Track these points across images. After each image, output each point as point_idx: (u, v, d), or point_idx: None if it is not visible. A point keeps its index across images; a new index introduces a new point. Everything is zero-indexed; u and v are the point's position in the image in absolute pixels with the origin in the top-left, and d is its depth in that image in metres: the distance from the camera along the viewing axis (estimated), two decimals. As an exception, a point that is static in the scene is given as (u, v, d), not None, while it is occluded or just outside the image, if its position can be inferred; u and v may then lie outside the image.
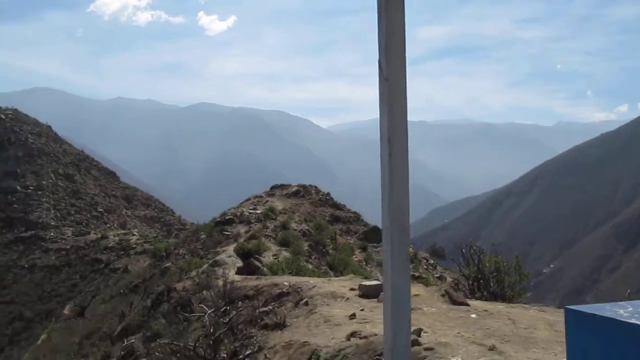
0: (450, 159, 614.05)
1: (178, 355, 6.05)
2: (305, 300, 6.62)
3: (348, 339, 4.69)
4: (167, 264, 21.51)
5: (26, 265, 39.77)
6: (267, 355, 4.49)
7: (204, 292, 9.41)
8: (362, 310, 5.90)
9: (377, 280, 8.47)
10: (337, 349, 4.43)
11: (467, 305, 6.28)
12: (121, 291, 24.46)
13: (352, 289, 7.09)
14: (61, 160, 64.25)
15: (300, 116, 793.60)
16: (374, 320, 5.39)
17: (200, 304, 8.99)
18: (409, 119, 2.07)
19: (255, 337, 5.62)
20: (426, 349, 4.02)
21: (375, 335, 4.67)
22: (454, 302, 6.53)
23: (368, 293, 6.75)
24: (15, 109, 78.62)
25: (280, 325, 5.82)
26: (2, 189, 52.98)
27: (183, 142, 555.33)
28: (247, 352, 5.31)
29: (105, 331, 15.08)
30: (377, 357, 4.17)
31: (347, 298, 6.58)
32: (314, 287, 7.36)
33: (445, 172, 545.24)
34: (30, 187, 53.78)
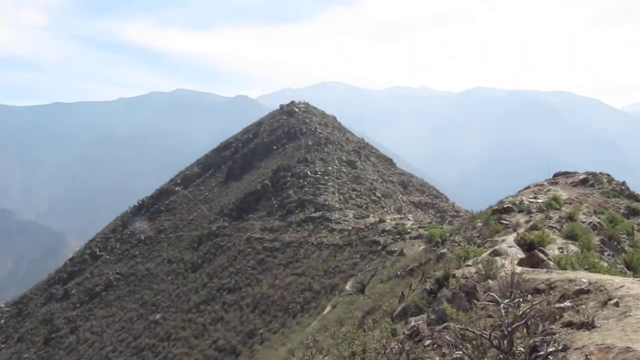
0: None
1: (469, 341, 5.84)
2: (614, 300, 5.79)
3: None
4: (443, 250, 21.49)
5: (315, 243, 44.14)
6: (588, 357, 3.96)
7: (489, 281, 9.01)
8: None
9: None
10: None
11: None
12: (398, 273, 25.31)
13: (674, 293, 5.99)
14: (344, 148, 69.68)
15: (588, 96, 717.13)
16: None
17: (485, 292, 8.63)
18: None
19: (557, 334, 5.08)
20: None
21: None
22: None
23: (699, 299, 5.62)
24: (307, 103, 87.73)
25: (588, 325, 5.16)
26: (296, 174, 59.72)
27: (458, 128, 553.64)
28: (550, 350, 4.81)
29: (386, 309, 15.55)
30: None
31: (670, 303, 5.56)
32: (621, 286, 6.41)
33: None
34: (319, 173, 59.57)
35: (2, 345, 62.97)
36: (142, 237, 68.53)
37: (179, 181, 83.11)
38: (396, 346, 7.43)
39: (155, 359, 40.23)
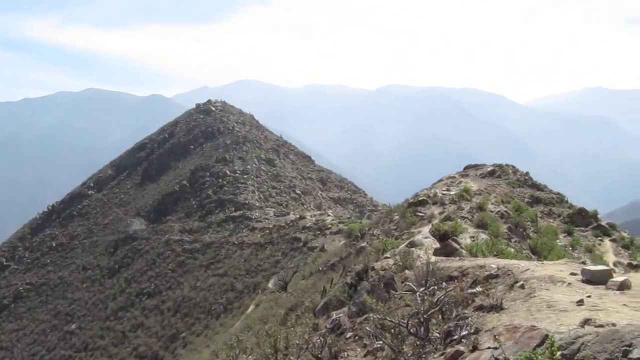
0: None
1: (388, 331, 6.03)
2: (520, 283, 6.16)
3: (582, 326, 4.20)
4: (363, 244, 21.99)
5: (236, 242, 43.83)
6: (497, 337, 4.20)
7: (406, 272, 9.32)
8: (589, 297, 5.30)
9: (603, 265, 7.60)
10: (574, 336, 3.98)
11: None
12: (320, 268, 25.62)
13: (572, 274, 6.44)
14: (263, 146, 69.50)
15: (495, 93, 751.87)
16: (606, 308, 4.79)
17: (403, 282, 8.92)
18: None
19: (470, 318, 5.35)
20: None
21: (614, 324, 4.12)
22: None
23: (593, 279, 6.07)
24: (223, 101, 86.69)
25: (497, 308, 5.47)
26: (214, 174, 58.97)
27: (373, 124, 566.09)
28: (463, 333, 5.06)
29: (308, 305, 15.73)
30: (625, 347, 3.64)
31: (569, 283, 5.97)
32: (527, 270, 6.83)
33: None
34: (238, 172, 59.09)
35: None
36: (54, 244, 65.23)
37: (92, 184, 79.65)
38: (318, 340, 7.54)
39: (72, 371, 38.55)
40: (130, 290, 45.45)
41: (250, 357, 13.14)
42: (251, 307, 30.59)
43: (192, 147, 71.67)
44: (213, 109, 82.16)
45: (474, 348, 4.88)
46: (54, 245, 64.98)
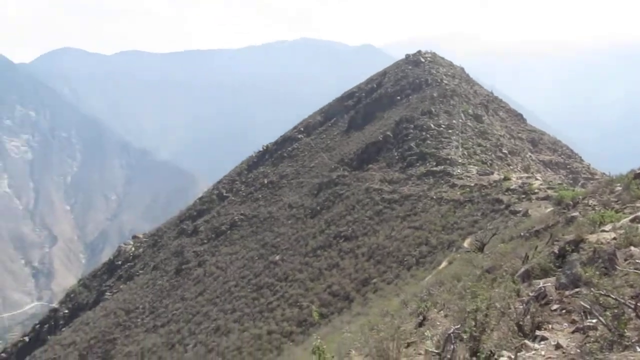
0: None
1: (608, 309, 5.28)
2: None
3: None
4: (574, 214, 20.02)
5: (434, 197, 43.30)
6: None
7: (632, 248, 8.15)
8: None
9: None
10: None
11: None
12: (522, 234, 24.09)
13: None
14: (471, 101, 66.86)
15: None
16: None
17: (626, 260, 7.82)
18: None
19: None
20: None
21: None
22: None
23: None
24: (434, 53, 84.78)
25: None
26: (418, 126, 58.47)
27: (597, 86, 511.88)
28: None
29: (507, 270, 14.87)
30: None
31: None
32: None
33: None
34: (442, 126, 57.83)
35: (140, 271, 69.42)
36: (265, 182, 71.25)
37: (302, 129, 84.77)
38: (520, 307, 6.97)
39: (273, 297, 42.23)
40: (329, 231, 47.85)
41: (441, 312, 12.87)
42: (444, 264, 30.16)
43: (398, 98, 71.76)
44: (422, 60, 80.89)
45: None
46: (266, 182, 70.95)
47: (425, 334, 8.76)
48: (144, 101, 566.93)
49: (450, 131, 56.79)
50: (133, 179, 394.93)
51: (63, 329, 69.10)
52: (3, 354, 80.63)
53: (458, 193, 42.63)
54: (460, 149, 53.23)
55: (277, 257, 48.68)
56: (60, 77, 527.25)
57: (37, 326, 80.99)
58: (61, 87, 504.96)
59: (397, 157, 55.35)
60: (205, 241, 64.41)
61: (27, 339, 78.57)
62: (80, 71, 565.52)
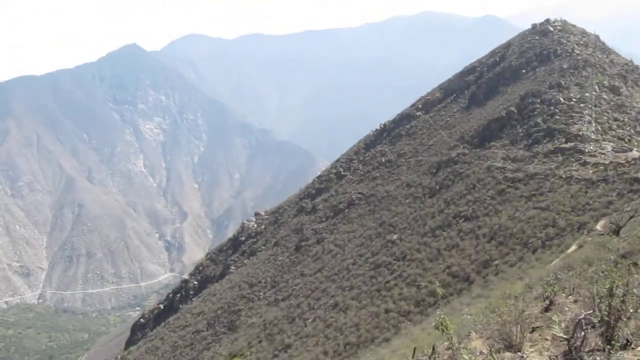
0: None
1: None
2: None
3: None
4: None
5: (563, 176, 40.57)
6: None
7: None
8: None
9: None
10: None
11: None
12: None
13: None
14: (607, 72, 61.58)
15: None
16: None
17: None
18: None
19: None
20: None
21: None
22: None
23: None
24: (564, 21, 78.97)
25: None
26: (546, 100, 54.97)
27: None
28: None
29: (648, 254, 13.58)
30: None
31: None
32: None
33: None
34: (573, 99, 53.88)
35: (262, 247, 72.37)
36: (383, 160, 70.94)
37: (420, 106, 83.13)
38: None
39: (391, 276, 42.14)
40: (449, 211, 46.68)
41: (570, 297, 12.04)
42: (573, 247, 28.25)
43: (523, 71, 67.80)
44: (551, 29, 75.58)
45: None
46: (383, 160, 70.63)
47: (553, 318, 8.18)
48: (264, 83, 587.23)
49: (582, 105, 52.76)
50: (255, 158, 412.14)
51: (193, 299, 74.16)
52: (142, 319, 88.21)
53: (590, 172, 39.62)
54: (594, 124, 49.31)
55: (395, 236, 48.42)
56: (187, 62, 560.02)
57: (170, 295, 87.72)
58: (188, 71, 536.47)
59: (521, 134, 52.51)
60: (323, 219, 65.64)
61: (161, 306, 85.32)
62: (205, 56, 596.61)
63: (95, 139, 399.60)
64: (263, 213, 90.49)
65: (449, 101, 77.98)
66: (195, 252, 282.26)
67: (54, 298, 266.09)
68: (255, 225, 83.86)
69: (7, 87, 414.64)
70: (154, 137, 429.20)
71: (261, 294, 57.41)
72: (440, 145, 63.94)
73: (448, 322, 8.11)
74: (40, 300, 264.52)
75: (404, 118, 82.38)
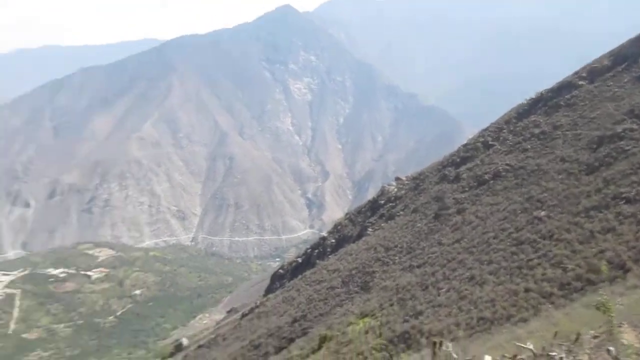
0: None
1: None
2: None
3: None
4: None
5: None
6: None
7: None
8: None
9: None
10: None
11: None
12: None
13: None
14: None
15: None
16: None
17: None
18: None
19: None
20: None
21: None
22: None
23: None
24: None
25: None
26: None
27: None
28: None
29: None
30: None
31: None
32: None
33: None
34: None
35: (401, 212, 72.17)
36: (536, 132, 66.61)
37: (584, 74, 76.18)
38: None
39: (534, 255, 39.84)
40: (607, 191, 42.70)
41: None
42: None
43: None
44: None
45: None
46: (536, 132, 66.16)
47: None
48: (415, 45, 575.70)
49: None
50: (399, 122, 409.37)
51: (329, 256, 76.43)
52: (281, 270, 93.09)
53: None
54: None
55: (543, 213, 45.51)
56: (338, 24, 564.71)
57: (309, 250, 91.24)
58: (338, 32, 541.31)
59: None
60: (466, 189, 63.56)
61: (299, 260, 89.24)
62: (356, 17, 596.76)
63: (248, 97, 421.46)
64: (404, 178, 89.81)
65: (620, 70, 70.46)
66: (335, 211, 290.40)
67: (204, 242, 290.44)
68: (395, 190, 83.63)
69: (172, 45, 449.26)
70: (302, 96, 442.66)
71: (396, 258, 57.45)
72: (605, 119, 58.35)
73: (610, 304, 7.35)
74: (192, 243, 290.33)
75: (564, 87, 76.16)
